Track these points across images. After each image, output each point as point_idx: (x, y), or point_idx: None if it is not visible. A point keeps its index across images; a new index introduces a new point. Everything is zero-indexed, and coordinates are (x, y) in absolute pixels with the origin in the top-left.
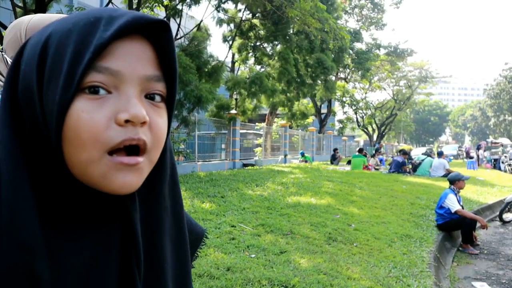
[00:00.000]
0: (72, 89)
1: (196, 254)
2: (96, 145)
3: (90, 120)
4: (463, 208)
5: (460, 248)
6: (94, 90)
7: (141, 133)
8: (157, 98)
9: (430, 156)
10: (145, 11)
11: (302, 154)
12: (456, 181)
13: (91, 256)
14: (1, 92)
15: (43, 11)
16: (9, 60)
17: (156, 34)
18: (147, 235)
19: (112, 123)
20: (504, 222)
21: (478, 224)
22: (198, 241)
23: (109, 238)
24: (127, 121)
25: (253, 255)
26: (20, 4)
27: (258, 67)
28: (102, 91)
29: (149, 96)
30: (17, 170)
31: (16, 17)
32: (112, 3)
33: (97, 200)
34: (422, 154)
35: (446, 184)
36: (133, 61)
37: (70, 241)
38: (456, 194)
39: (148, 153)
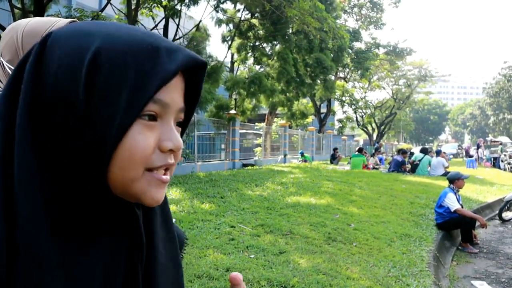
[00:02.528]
0: (134, 117)
1: (181, 255)
2: (142, 166)
3: (144, 144)
4: (462, 207)
5: (460, 247)
6: (149, 117)
7: (173, 160)
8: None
9: (427, 153)
10: (143, 12)
11: (302, 154)
12: (455, 180)
13: (103, 265)
14: None
15: (42, 12)
16: (5, 64)
17: (194, 70)
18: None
19: (156, 148)
20: (503, 221)
21: (477, 223)
22: (181, 244)
23: (119, 245)
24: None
25: (252, 256)
26: (19, 5)
27: (257, 67)
28: (153, 119)
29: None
30: (32, 181)
31: (14, 18)
32: (111, 3)
33: (111, 209)
34: (420, 151)
35: (445, 183)
36: (177, 94)
37: (83, 253)
38: (455, 193)
39: (171, 171)
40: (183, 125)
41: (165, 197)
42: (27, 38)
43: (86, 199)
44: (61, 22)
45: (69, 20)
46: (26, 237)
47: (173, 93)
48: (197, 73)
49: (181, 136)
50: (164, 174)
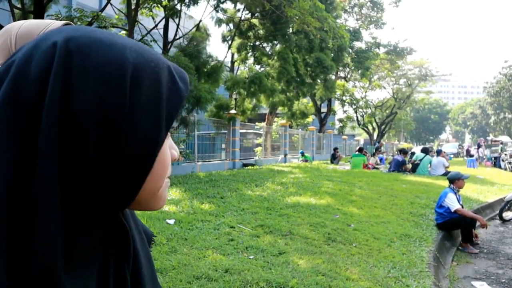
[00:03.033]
0: (167, 130)
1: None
2: (166, 176)
3: (169, 154)
4: (463, 207)
5: (460, 247)
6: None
7: None
8: None
9: (428, 153)
10: (143, 12)
11: (302, 154)
12: (456, 180)
13: (97, 277)
14: None
15: (42, 12)
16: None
17: None
18: None
19: None
20: (504, 221)
21: (477, 223)
22: (149, 241)
23: (110, 256)
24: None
25: (251, 257)
26: (19, 6)
27: (257, 66)
28: None
29: None
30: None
31: (14, 19)
32: (111, 4)
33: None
34: (421, 151)
35: (445, 182)
36: None
37: (80, 267)
38: (455, 193)
39: None
40: None
41: None
42: (21, 41)
43: (101, 221)
44: (55, 24)
45: (63, 22)
46: (42, 270)
47: None
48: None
49: None
50: None
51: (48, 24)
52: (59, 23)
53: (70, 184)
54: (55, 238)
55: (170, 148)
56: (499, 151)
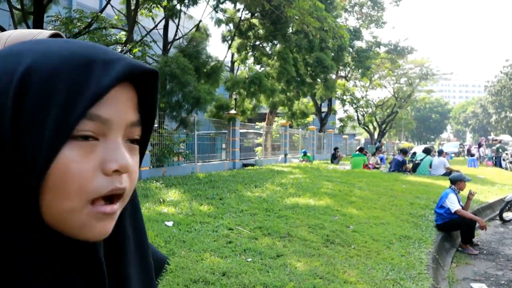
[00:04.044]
0: (64, 138)
1: (157, 281)
2: (81, 195)
3: (79, 170)
4: (463, 208)
5: (460, 249)
6: (83, 137)
7: (124, 183)
8: (135, 141)
9: (430, 154)
10: (143, 12)
11: (305, 153)
12: (458, 182)
13: None
14: None
15: (42, 12)
16: None
17: (144, 80)
18: (111, 267)
19: (98, 171)
20: (504, 221)
21: (477, 225)
22: (160, 268)
23: (75, 280)
24: (115, 170)
25: (249, 259)
26: (18, 6)
27: (257, 66)
28: (90, 139)
29: (130, 140)
30: None
31: (14, 19)
32: (111, 4)
33: (62, 245)
34: (422, 151)
35: (446, 182)
36: (122, 108)
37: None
38: (456, 194)
39: (124, 197)
40: (144, 141)
41: (139, 221)
42: None
43: (21, 237)
44: (44, 33)
45: (52, 32)
46: None
47: (116, 107)
48: (151, 85)
49: (142, 155)
50: (113, 202)
51: (36, 33)
52: (48, 32)
53: None
54: None
55: (106, 160)
56: (500, 150)
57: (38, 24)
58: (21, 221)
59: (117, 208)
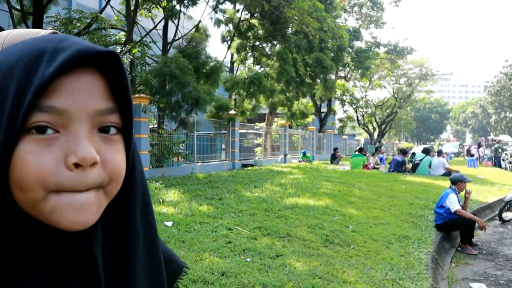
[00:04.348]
0: (16, 132)
1: (175, 285)
2: (42, 187)
3: (37, 163)
4: (462, 208)
5: (459, 249)
6: (41, 130)
7: (93, 176)
8: (112, 130)
9: (429, 154)
10: (142, 13)
11: (304, 154)
12: (458, 182)
13: None
14: None
15: (41, 13)
16: None
17: (107, 65)
18: (116, 265)
19: (62, 165)
20: (503, 221)
21: (476, 225)
22: (178, 272)
23: (68, 279)
24: (76, 164)
25: (248, 259)
26: (18, 7)
27: (257, 67)
28: (49, 131)
29: (104, 129)
30: None
31: (13, 20)
32: (110, 5)
33: (52, 237)
34: (422, 152)
35: (445, 183)
36: (81, 96)
37: None
38: (456, 194)
39: (104, 188)
40: (125, 130)
41: (151, 218)
42: None
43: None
44: (42, 33)
45: (50, 31)
46: None
47: (73, 97)
48: (113, 68)
49: (128, 144)
50: (87, 190)
51: (34, 33)
52: (46, 32)
53: None
54: None
55: (66, 154)
56: (500, 150)
57: (38, 24)
58: (3, 216)
59: (88, 198)
